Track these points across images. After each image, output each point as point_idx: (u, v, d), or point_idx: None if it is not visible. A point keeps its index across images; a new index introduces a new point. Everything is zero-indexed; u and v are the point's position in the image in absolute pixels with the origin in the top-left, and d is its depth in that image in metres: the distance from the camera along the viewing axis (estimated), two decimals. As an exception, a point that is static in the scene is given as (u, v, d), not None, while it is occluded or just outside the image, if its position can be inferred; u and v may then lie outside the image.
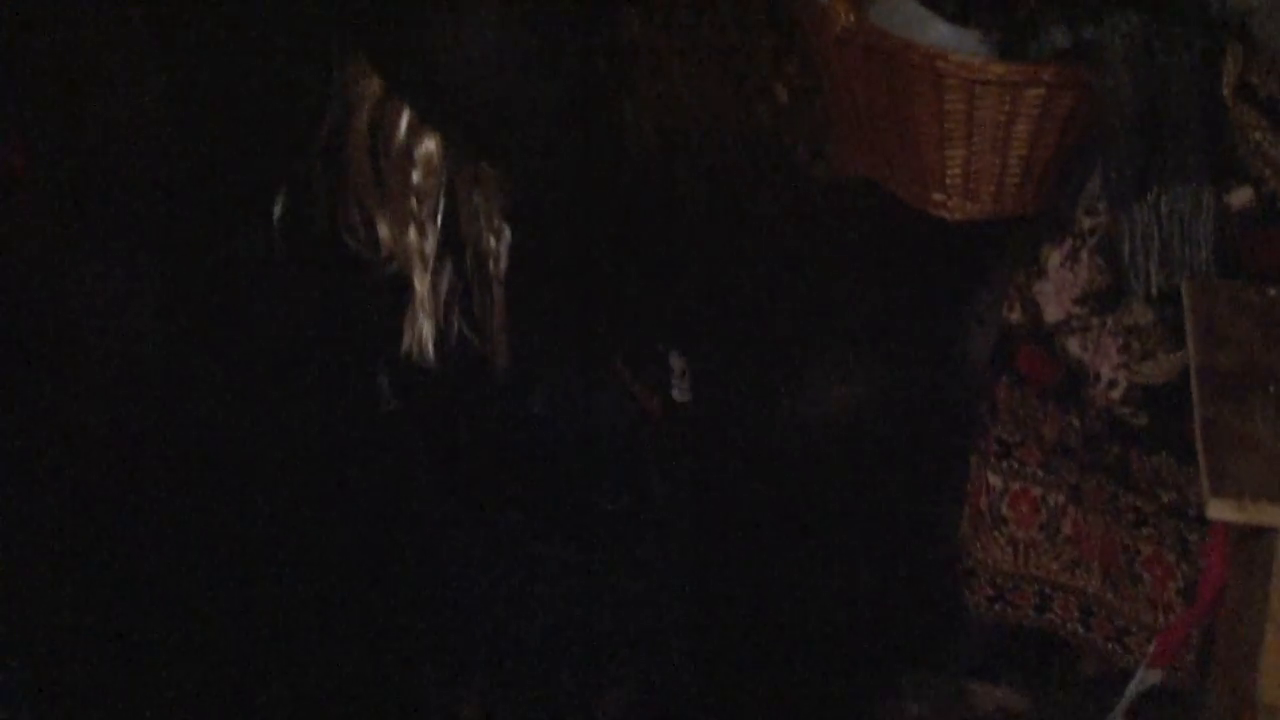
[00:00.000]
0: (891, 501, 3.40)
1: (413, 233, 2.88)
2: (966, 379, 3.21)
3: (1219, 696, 2.57)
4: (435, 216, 2.90)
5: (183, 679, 3.12)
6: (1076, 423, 2.94)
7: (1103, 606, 3.02)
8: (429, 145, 2.84)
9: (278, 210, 2.89)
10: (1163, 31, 2.63)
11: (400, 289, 2.95)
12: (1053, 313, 2.93)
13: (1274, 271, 2.67)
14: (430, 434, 3.31)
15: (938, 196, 2.89)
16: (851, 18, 2.82)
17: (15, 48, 2.88)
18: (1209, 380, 2.35)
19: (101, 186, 2.96)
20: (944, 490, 3.22)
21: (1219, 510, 2.15)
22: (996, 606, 3.10)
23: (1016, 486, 3.03)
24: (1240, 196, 2.71)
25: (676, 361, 3.38)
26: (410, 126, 2.83)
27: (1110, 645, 3.03)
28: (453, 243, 2.95)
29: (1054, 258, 2.92)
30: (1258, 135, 2.67)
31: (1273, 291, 2.56)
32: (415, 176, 2.85)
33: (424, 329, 2.95)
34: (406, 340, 2.96)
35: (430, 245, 2.91)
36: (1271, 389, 2.32)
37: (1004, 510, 3.04)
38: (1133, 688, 2.60)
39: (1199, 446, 2.24)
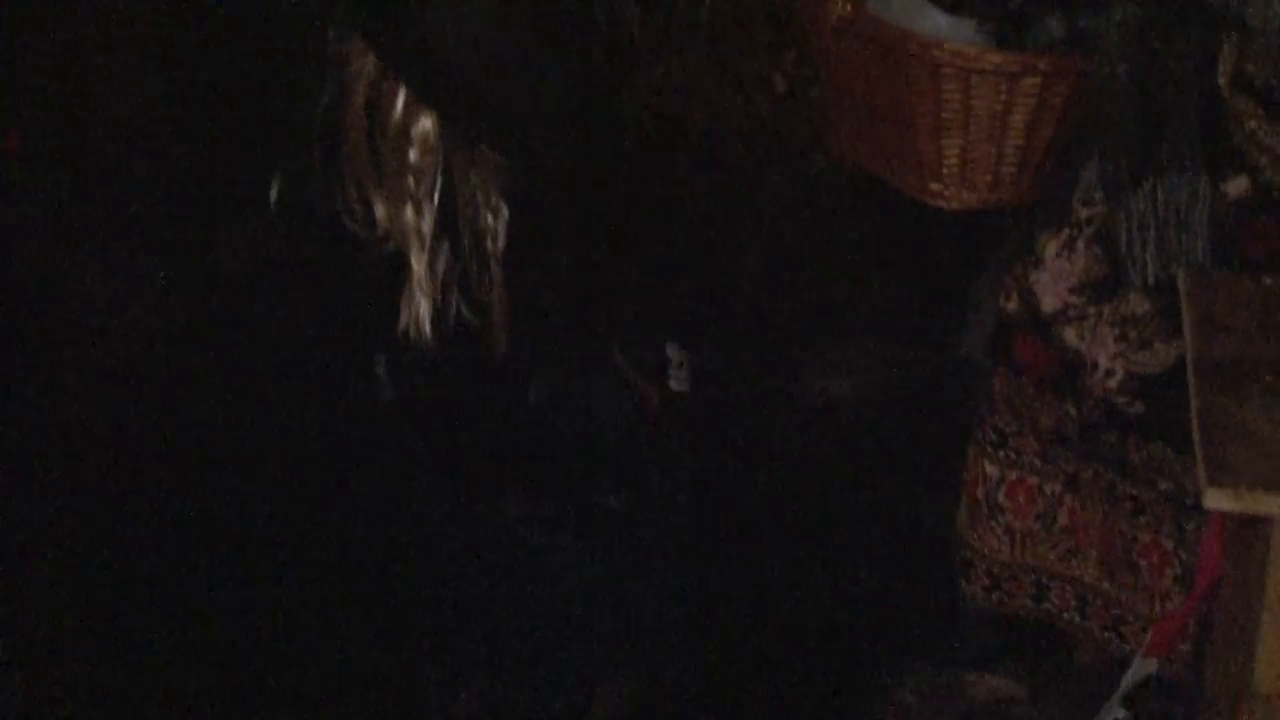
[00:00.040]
0: (889, 491, 3.41)
1: (409, 212, 2.87)
2: (963, 369, 3.21)
3: (1215, 685, 2.57)
4: (432, 195, 2.89)
5: (179, 664, 3.12)
6: (1074, 412, 2.94)
7: (1099, 596, 3.02)
8: (426, 124, 2.83)
9: (274, 192, 2.89)
10: (1159, 21, 2.63)
11: (398, 269, 2.95)
12: (1050, 302, 2.93)
13: (1270, 260, 2.67)
14: (428, 425, 3.31)
15: (935, 186, 2.89)
16: (848, 7, 2.82)
17: (10, 30, 2.88)
18: (1206, 370, 2.35)
19: (97, 168, 2.96)
20: (941, 480, 3.22)
21: (1216, 500, 2.15)
22: (993, 596, 3.10)
23: (1013, 476, 3.03)
24: (1236, 186, 2.71)
25: (674, 352, 3.37)
26: (407, 105, 2.82)
27: (1106, 634, 3.03)
28: (450, 222, 2.95)
29: (1051, 247, 2.92)
30: (1253, 124, 2.67)
31: (1269, 281, 2.56)
32: (412, 155, 2.84)
33: (421, 308, 2.94)
34: (404, 320, 2.95)
35: (427, 224, 2.89)
36: (1268, 379, 2.32)
37: (1000, 499, 3.04)
38: (1129, 677, 2.60)
39: (1196, 436, 2.24)
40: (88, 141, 2.95)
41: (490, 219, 2.96)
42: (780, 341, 3.47)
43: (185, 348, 3.06)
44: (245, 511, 3.10)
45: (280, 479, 3.12)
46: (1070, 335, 2.91)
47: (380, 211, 2.87)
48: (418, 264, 2.91)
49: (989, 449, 3.04)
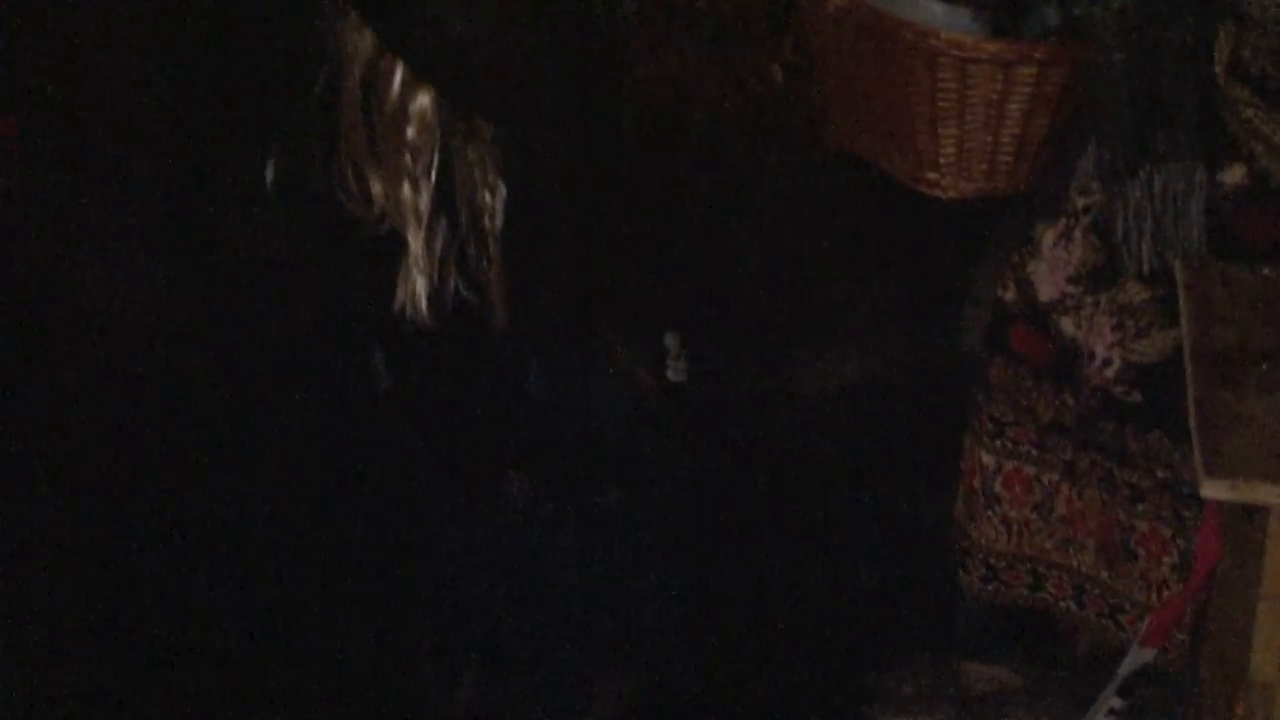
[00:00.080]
0: (885, 482, 3.40)
1: (407, 189, 2.86)
2: (960, 359, 3.20)
3: (1211, 674, 2.57)
4: (429, 173, 2.88)
5: (175, 656, 3.12)
6: (1071, 401, 2.93)
7: (1097, 585, 3.02)
8: (423, 100, 2.82)
9: (270, 171, 2.88)
10: (1155, 9, 2.62)
11: (395, 249, 2.94)
12: (1047, 292, 2.92)
13: (1266, 249, 2.66)
14: (426, 416, 3.31)
15: (931, 175, 2.89)
16: (845, -4, 2.83)
17: (2, 14, 2.87)
18: (1203, 359, 2.35)
19: (92, 152, 2.94)
20: (937, 470, 3.21)
21: (1212, 490, 2.15)
22: (990, 586, 3.10)
23: (1010, 466, 3.03)
24: (1233, 174, 2.71)
25: (672, 342, 3.37)
26: (404, 82, 2.82)
27: (1104, 621, 3.03)
28: (447, 200, 2.94)
29: (1048, 237, 2.92)
30: (1250, 113, 2.66)
31: (1266, 271, 2.56)
32: (409, 132, 2.83)
33: (418, 286, 2.93)
34: (400, 298, 2.94)
35: (424, 202, 2.89)
36: (1265, 368, 2.32)
37: (997, 489, 3.04)
38: (1125, 666, 2.60)
39: (1193, 426, 2.24)
40: (82, 125, 2.94)
41: (488, 197, 2.95)
42: (777, 331, 3.46)
43: (182, 332, 3.05)
44: (243, 504, 3.10)
45: (278, 472, 3.11)
46: (1067, 325, 2.91)
47: (376, 189, 2.86)
48: (415, 242, 2.90)
49: (986, 439, 3.04)
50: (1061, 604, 3.07)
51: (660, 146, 3.19)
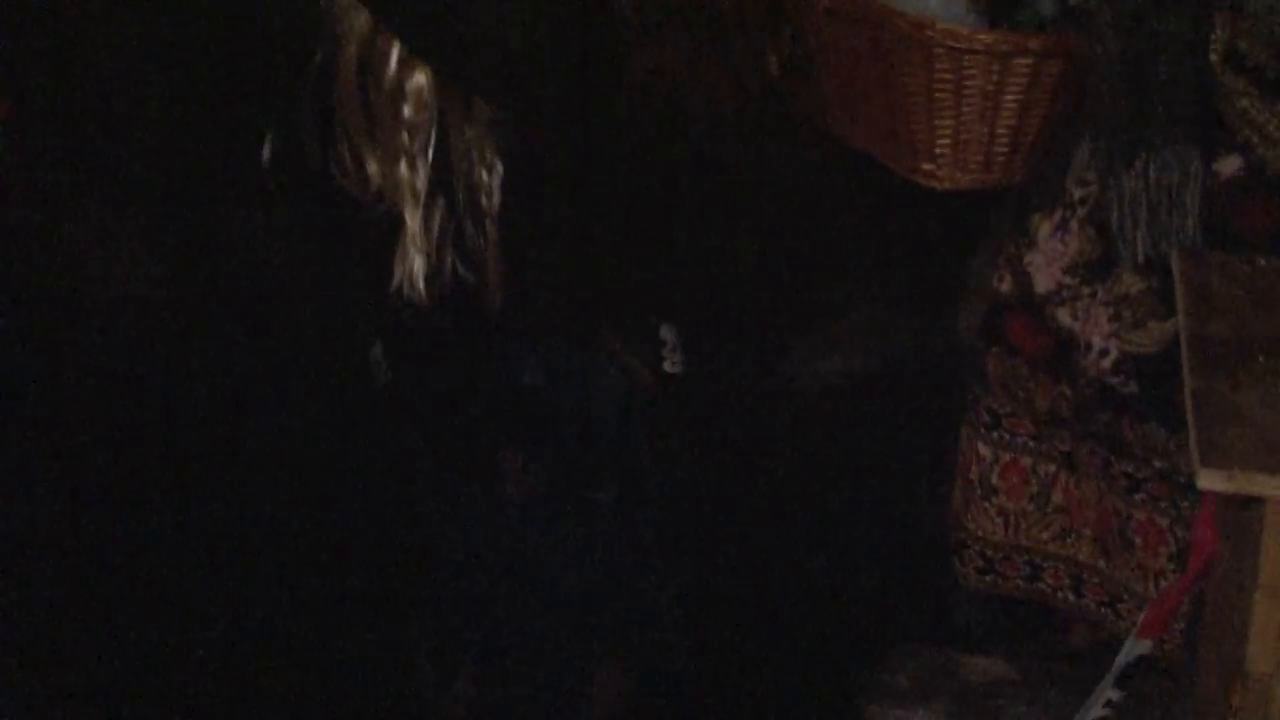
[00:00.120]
0: (882, 474, 3.40)
1: (404, 167, 2.86)
2: (957, 350, 3.20)
3: (1208, 665, 2.57)
4: (427, 151, 2.87)
5: (173, 649, 3.12)
6: (1068, 392, 2.93)
7: (1094, 574, 3.02)
8: (420, 79, 2.82)
9: (267, 150, 2.88)
10: (1151, -1, 2.62)
11: (393, 231, 2.93)
12: (1043, 283, 2.92)
13: (1262, 239, 2.66)
14: (424, 408, 3.30)
15: (927, 166, 2.89)
16: (841, -13, 2.82)
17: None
18: (1199, 350, 2.35)
19: (90, 133, 2.94)
20: (934, 462, 3.22)
21: (1209, 481, 2.15)
22: (987, 578, 3.10)
23: (1007, 457, 3.03)
24: (1229, 165, 2.70)
25: (668, 334, 3.37)
26: (400, 61, 2.81)
27: (1103, 610, 3.03)
28: (444, 179, 2.93)
29: (1044, 228, 2.92)
30: (1245, 102, 2.66)
31: (1262, 261, 2.55)
32: (406, 111, 2.83)
33: (415, 265, 2.93)
34: (398, 276, 2.94)
35: (421, 180, 2.88)
36: (1261, 359, 2.31)
37: (994, 481, 3.04)
38: (1122, 658, 2.59)
39: (1189, 418, 2.24)
40: (80, 107, 2.94)
41: (485, 174, 2.95)
42: (772, 323, 3.46)
43: (178, 321, 3.05)
44: (242, 501, 3.10)
45: (277, 469, 3.11)
46: (1064, 315, 2.91)
47: (373, 168, 2.86)
48: (412, 220, 2.90)
49: (982, 430, 3.04)
50: (1059, 593, 3.07)
51: (658, 140, 3.19)
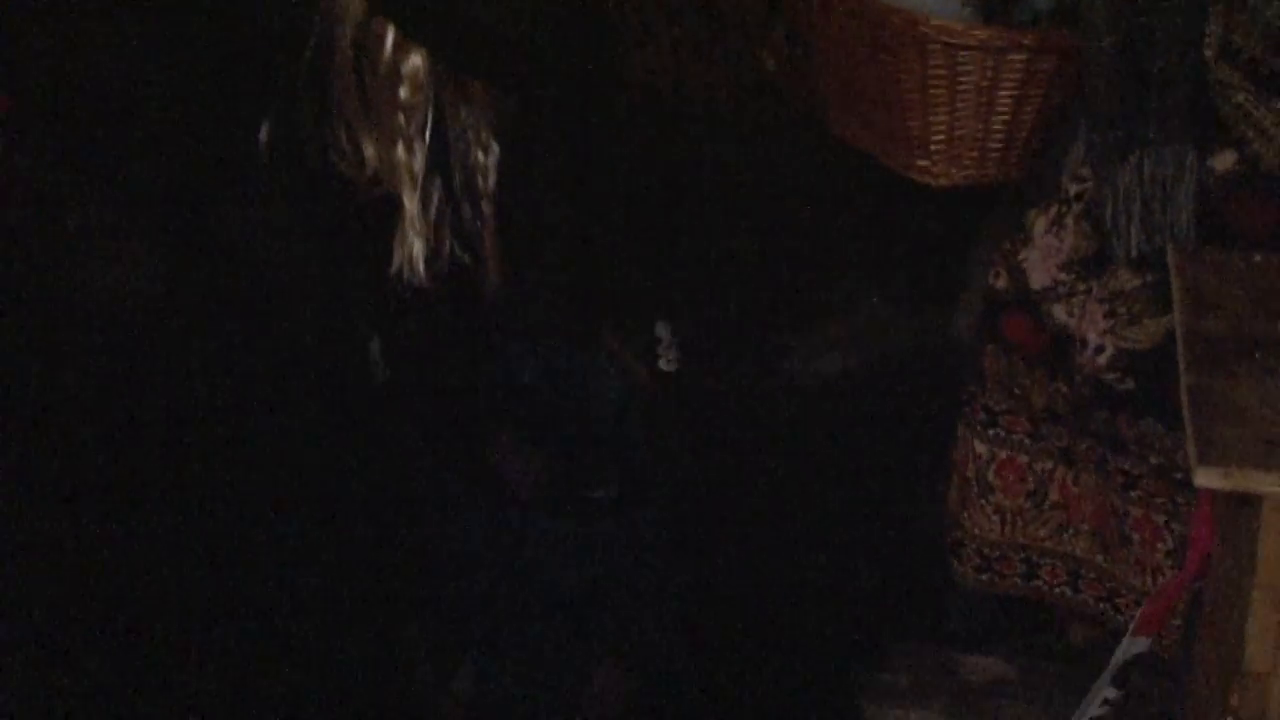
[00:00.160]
0: (879, 473, 3.40)
1: (401, 150, 2.86)
2: (955, 348, 3.20)
3: (1205, 663, 2.56)
4: (423, 133, 2.87)
5: (173, 648, 3.12)
6: (1064, 389, 2.93)
7: (1092, 569, 3.02)
8: (415, 60, 2.81)
9: (264, 134, 2.87)
10: (1146, -7, 2.62)
11: (390, 216, 2.93)
12: (1039, 279, 2.91)
13: (1258, 235, 2.66)
14: (423, 405, 3.30)
15: (922, 163, 2.89)
16: (835, -17, 2.82)
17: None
18: (1195, 347, 2.34)
19: (87, 124, 2.94)
20: (931, 460, 3.21)
21: (1206, 478, 2.14)
22: (984, 576, 3.10)
23: (1003, 455, 3.02)
24: (1223, 160, 2.70)
25: (664, 332, 3.37)
26: (396, 43, 2.81)
27: (1101, 605, 3.02)
28: (441, 161, 2.93)
29: (1040, 224, 2.91)
30: (1241, 97, 2.65)
31: (1258, 257, 2.55)
32: (402, 93, 2.83)
33: (414, 247, 2.92)
34: (397, 260, 2.93)
35: (419, 162, 2.88)
36: (1258, 355, 2.30)
37: (991, 478, 3.04)
38: (1119, 656, 2.59)
39: (1186, 414, 2.23)
40: (77, 97, 2.93)
41: (481, 156, 2.95)
42: (768, 320, 3.46)
43: (176, 315, 3.05)
44: (242, 500, 3.10)
45: (276, 467, 3.11)
46: (1060, 312, 2.90)
47: (370, 151, 2.86)
48: (410, 203, 2.89)
49: (979, 428, 3.03)
50: (1056, 590, 3.06)
51: (656, 138, 3.19)
